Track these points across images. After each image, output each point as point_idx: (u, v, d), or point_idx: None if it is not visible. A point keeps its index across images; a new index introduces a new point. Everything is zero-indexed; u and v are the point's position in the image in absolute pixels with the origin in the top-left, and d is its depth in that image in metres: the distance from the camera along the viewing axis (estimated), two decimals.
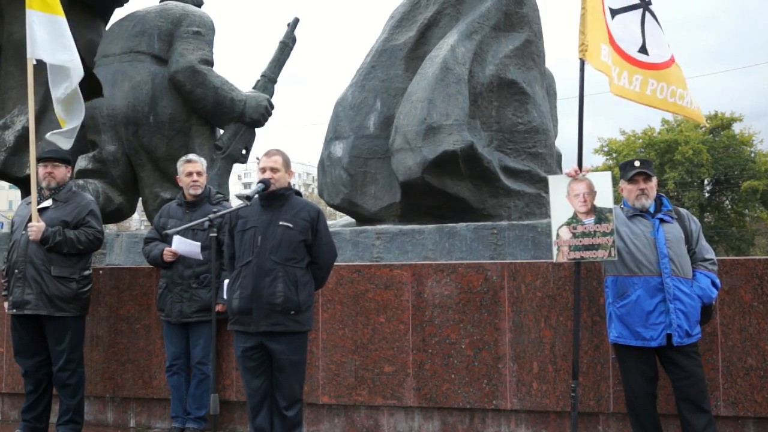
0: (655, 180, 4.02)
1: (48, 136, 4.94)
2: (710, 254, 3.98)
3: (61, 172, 4.72)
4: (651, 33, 4.37)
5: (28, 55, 4.61)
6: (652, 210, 3.97)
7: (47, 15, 4.70)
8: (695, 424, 3.77)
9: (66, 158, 4.80)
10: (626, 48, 4.30)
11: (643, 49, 4.32)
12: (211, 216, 4.18)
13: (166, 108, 6.47)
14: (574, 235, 3.96)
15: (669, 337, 3.80)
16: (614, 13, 4.30)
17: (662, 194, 4.08)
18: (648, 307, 3.82)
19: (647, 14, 4.39)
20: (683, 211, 4.09)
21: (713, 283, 3.90)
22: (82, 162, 6.66)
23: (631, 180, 3.98)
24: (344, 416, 4.87)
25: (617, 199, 4.14)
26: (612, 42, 4.24)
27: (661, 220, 3.93)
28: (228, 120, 6.72)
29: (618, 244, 3.89)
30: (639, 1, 4.36)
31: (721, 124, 33.84)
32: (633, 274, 3.88)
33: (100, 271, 5.34)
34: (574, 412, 4.09)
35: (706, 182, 34.56)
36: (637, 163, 4.01)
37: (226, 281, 4.06)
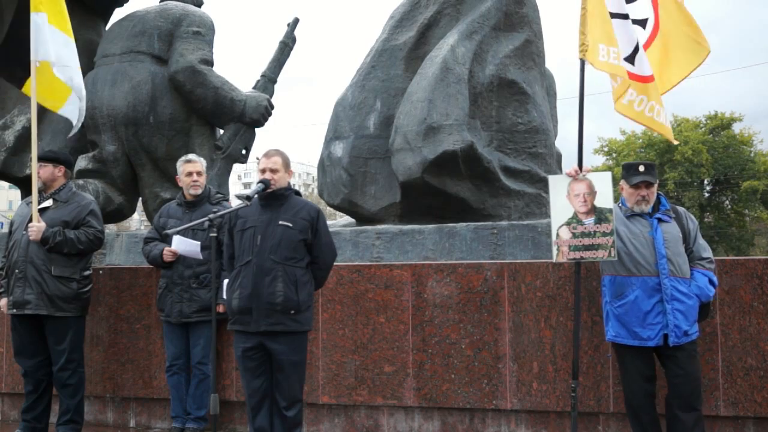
0: (656, 185, 4.01)
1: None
2: (708, 253, 3.98)
3: (47, 171, 4.68)
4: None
5: (32, 58, 4.61)
6: (650, 210, 3.97)
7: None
8: (685, 420, 3.77)
9: (53, 157, 4.74)
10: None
11: (630, 58, 4.23)
12: (211, 216, 4.18)
13: (166, 108, 6.46)
14: (574, 235, 3.96)
15: (666, 336, 3.80)
16: (612, 16, 4.26)
17: (660, 193, 4.07)
18: (646, 308, 3.82)
19: (636, 27, 4.34)
20: (681, 209, 4.08)
21: (711, 282, 3.90)
22: (82, 162, 6.65)
23: (634, 185, 3.96)
24: (344, 416, 4.87)
25: (617, 199, 4.14)
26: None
27: (659, 220, 3.93)
28: (228, 120, 6.72)
29: (617, 244, 3.89)
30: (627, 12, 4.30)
31: (721, 124, 33.83)
32: (631, 274, 3.88)
33: (100, 271, 5.33)
34: (574, 412, 4.09)
35: (706, 182, 34.55)
36: (641, 168, 3.96)
37: (226, 281, 4.06)
